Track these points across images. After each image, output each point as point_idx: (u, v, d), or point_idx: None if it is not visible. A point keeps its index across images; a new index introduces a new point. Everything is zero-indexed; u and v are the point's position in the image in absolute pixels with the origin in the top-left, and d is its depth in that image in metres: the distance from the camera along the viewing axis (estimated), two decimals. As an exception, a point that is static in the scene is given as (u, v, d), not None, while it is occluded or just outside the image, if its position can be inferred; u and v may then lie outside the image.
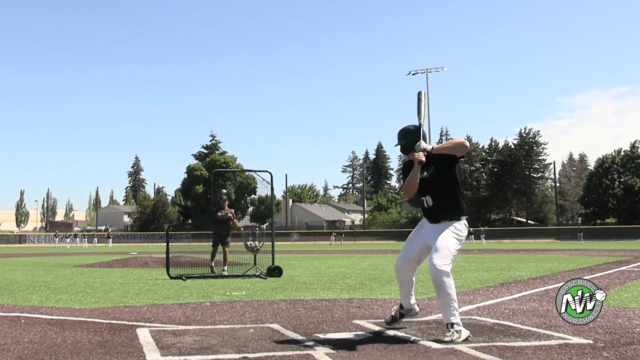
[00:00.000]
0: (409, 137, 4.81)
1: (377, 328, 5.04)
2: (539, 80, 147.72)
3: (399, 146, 4.93)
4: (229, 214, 12.21)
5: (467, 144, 4.62)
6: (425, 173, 4.76)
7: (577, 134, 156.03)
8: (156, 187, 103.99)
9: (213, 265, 12.00)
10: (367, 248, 37.25)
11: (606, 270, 12.63)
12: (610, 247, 30.23)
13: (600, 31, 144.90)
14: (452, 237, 4.62)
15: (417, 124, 4.87)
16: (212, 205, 12.65)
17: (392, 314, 5.13)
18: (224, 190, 13.33)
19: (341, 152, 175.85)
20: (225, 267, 12.09)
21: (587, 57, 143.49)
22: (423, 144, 4.65)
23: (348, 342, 4.38)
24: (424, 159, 4.62)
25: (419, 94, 4.97)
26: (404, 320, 5.12)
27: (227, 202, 12.71)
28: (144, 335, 4.70)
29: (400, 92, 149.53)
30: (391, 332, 4.81)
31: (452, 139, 4.85)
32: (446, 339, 4.33)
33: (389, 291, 8.33)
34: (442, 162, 4.69)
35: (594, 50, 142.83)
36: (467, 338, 4.36)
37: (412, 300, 5.04)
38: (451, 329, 4.38)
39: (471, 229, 53.12)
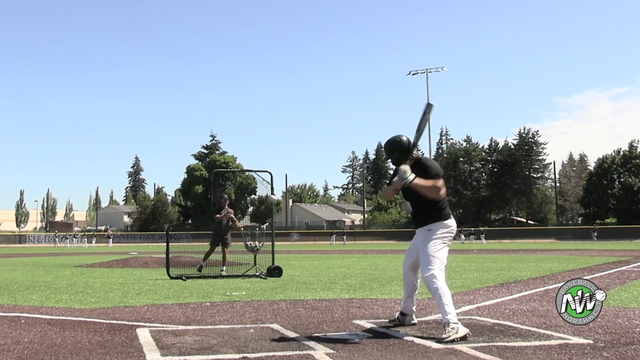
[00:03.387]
0: (400, 150, 4.91)
1: (377, 328, 5.04)
2: (537, 80, 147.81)
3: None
4: (230, 215, 12.23)
5: (441, 191, 4.75)
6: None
7: (575, 135, 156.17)
8: (156, 187, 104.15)
9: (204, 264, 11.90)
10: (367, 248, 37.24)
11: (606, 270, 12.63)
12: (610, 247, 30.23)
13: (597, 32, 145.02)
14: (432, 240, 4.80)
15: (413, 139, 4.92)
16: (213, 205, 12.65)
17: (395, 315, 5.35)
18: (225, 196, 13.39)
19: (341, 152, 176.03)
20: (224, 267, 12.09)
21: (584, 57, 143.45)
22: (407, 174, 4.74)
23: (348, 342, 4.38)
24: (399, 188, 4.83)
25: (429, 106, 4.99)
26: (401, 325, 5.14)
27: (227, 202, 12.73)
28: (144, 335, 4.70)
29: (400, 92, 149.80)
30: (391, 332, 4.81)
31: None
32: (444, 335, 4.39)
33: (389, 291, 8.34)
34: (422, 174, 4.78)
35: (592, 51, 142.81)
36: (465, 336, 4.37)
37: (412, 307, 5.17)
38: (447, 327, 4.44)
39: (472, 228, 53.29)
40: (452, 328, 4.40)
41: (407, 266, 5.15)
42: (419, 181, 4.72)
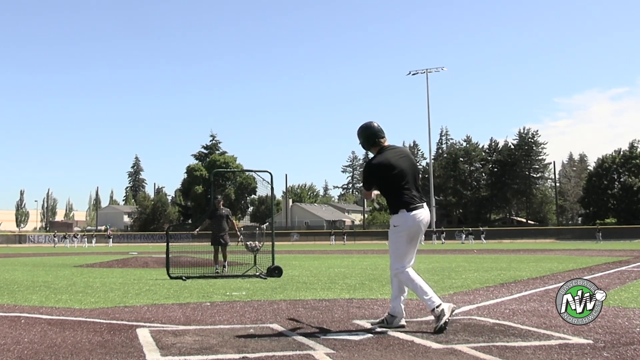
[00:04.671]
0: (363, 137, 5.21)
1: (377, 328, 5.04)
2: (537, 80, 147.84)
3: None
4: (229, 231, 12.32)
5: (366, 195, 5.28)
6: None
7: (575, 135, 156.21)
8: (156, 187, 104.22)
9: (218, 266, 12.03)
10: (367, 248, 37.24)
11: (606, 270, 12.63)
12: (610, 247, 30.23)
13: (597, 32, 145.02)
14: (390, 235, 5.02)
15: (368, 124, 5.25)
16: (212, 206, 12.67)
17: (383, 316, 5.21)
18: (219, 197, 13.45)
19: (341, 152, 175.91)
20: (226, 265, 12.14)
21: (584, 58, 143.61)
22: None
23: (348, 342, 4.37)
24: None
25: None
26: (392, 326, 4.97)
27: (221, 203, 12.75)
28: (144, 335, 4.70)
29: (400, 92, 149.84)
30: (391, 332, 4.80)
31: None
32: (435, 325, 4.64)
33: (389, 291, 8.29)
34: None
35: (591, 51, 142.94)
36: (452, 311, 4.70)
37: (400, 308, 5.01)
38: (433, 315, 4.68)
39: (470, 229, 53.29)
40: (437, 315, 4.64)
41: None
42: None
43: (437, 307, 4.68)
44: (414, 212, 4.87)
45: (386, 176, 4.96)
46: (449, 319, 4.66)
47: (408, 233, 4.87)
